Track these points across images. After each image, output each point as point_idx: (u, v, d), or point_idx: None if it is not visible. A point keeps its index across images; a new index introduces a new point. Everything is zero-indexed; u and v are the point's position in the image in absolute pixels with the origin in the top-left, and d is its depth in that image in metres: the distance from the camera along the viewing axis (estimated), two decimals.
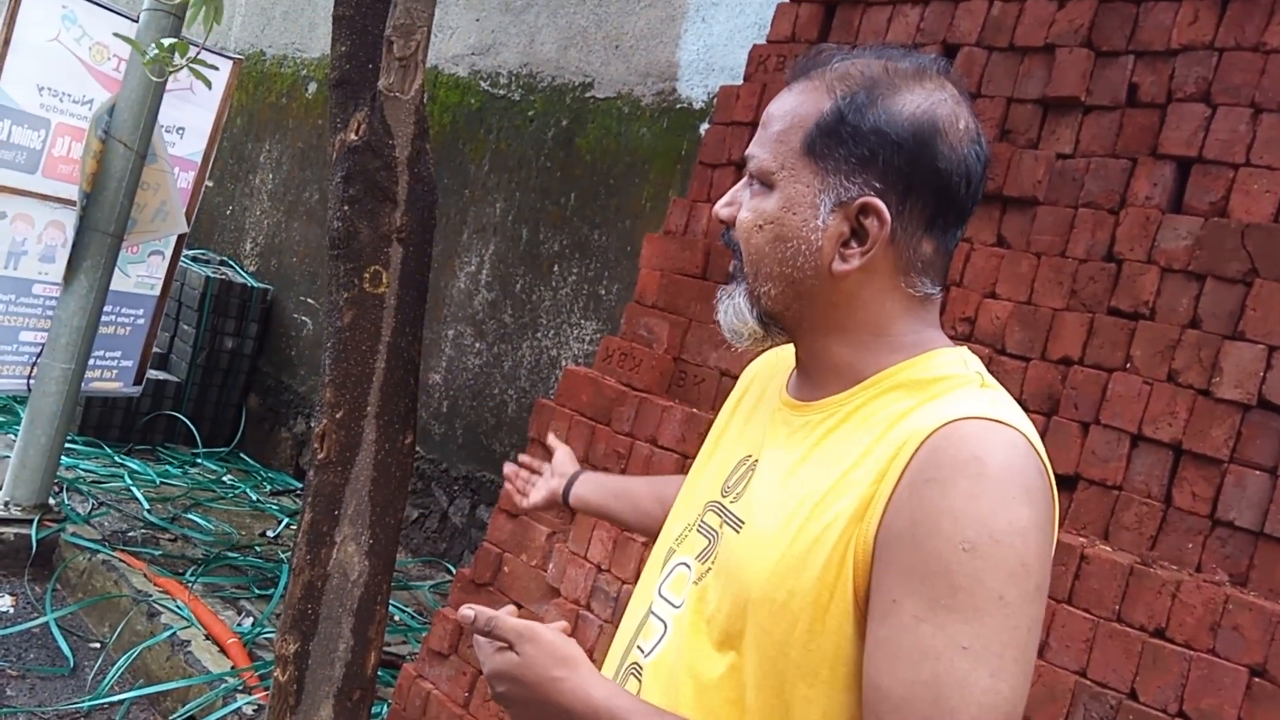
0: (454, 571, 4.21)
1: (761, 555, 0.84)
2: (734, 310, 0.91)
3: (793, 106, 0.89)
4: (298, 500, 4.93)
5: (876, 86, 0.86)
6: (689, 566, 0.92)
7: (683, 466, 2.26)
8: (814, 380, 0.91)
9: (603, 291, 4.08)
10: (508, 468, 1.51)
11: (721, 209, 0.92)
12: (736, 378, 2.38)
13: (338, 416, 2.46)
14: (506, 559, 2.54)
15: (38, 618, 3.31)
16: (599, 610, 2.28)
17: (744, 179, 0.92)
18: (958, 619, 0.71)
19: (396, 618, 3.63)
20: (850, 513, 0.79)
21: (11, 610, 3.38)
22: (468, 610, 0.87)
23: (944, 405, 0.81)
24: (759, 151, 0.89)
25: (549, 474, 1.42)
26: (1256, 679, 1.43)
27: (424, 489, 4.59)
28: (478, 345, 4.56)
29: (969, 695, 0.70)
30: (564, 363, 4.18)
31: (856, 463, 0.82)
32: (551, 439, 1.51)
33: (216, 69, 4.07)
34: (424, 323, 2.62)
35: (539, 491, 1.41)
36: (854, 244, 0.86)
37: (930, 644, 0.72)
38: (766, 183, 0.88)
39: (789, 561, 0.81)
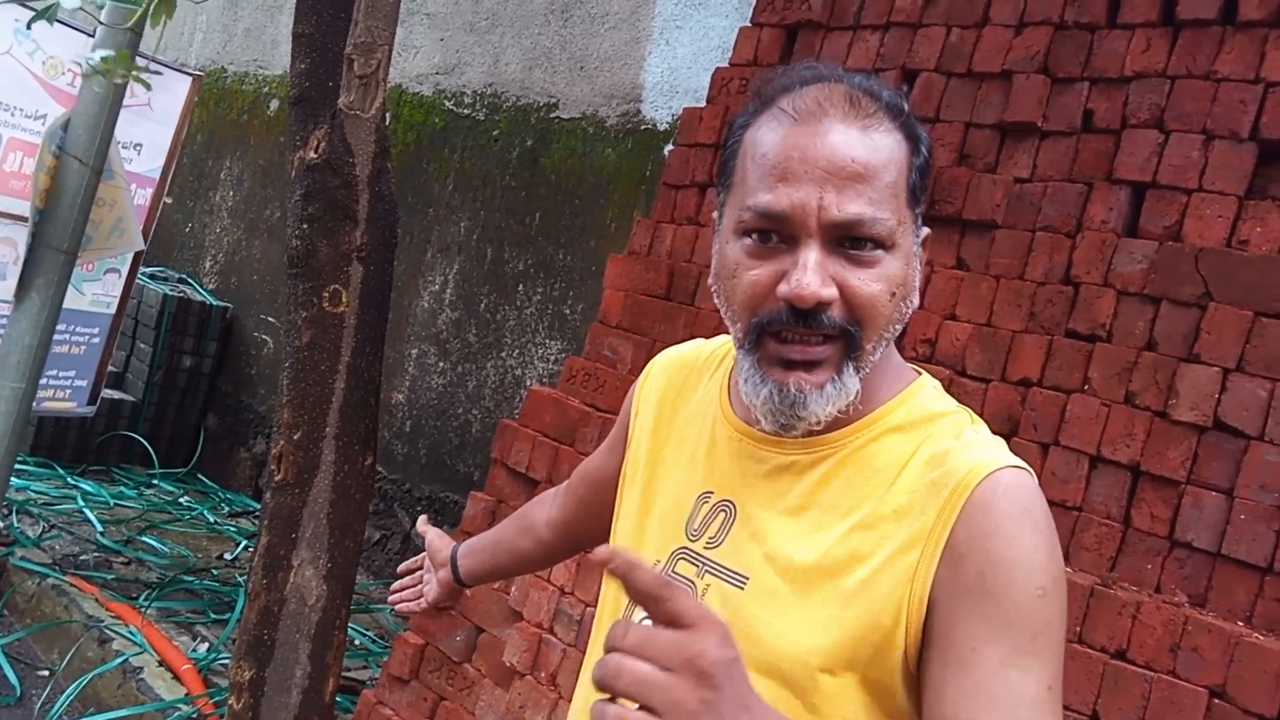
0: None
1: (784, 617, 0.80)
2: (839, 395, 0.80)
3: (889, 152, 0.80)
4: (256, 522, 4.83)
5: (913, 114, 0.85)
6: None
7: None
8: None
9: (567, 311, 4.07)
10: (394, 586, 1.43)
11: (825, 290, 0.78)
12: None
13: (295, 438, 2.41)
14: None
15: None
16: (562, 634, 2.25)
17: (815, 246, 0.78)
18: (1040, 661, 0.74)
19: (357, 642, 3.57)
20: (893, 569, 0.78)
21: None
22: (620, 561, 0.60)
23: (967, 452, 0.80)
24: (878, 213, 0.78)
25: (430, 567, 1.36)
26: (1216, 700, 1.45)
27: (386, 510, 4.52)
28: (441, 364, 4.52)
29: None
30: (529, 382, 4.15)
31: (876, 514, 0.80)
32: (420, 525, 1.44)
33: (160, 74, 4.01)
34: (386, 342, 2.59)
35: (432, 589, 1.34)
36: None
37: (1022, 689, 0.73)
38: (887, 244, 0.80)
39: (821, 621, 0.78)
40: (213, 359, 5.51)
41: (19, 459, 4.18)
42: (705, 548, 0.86)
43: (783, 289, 0.78)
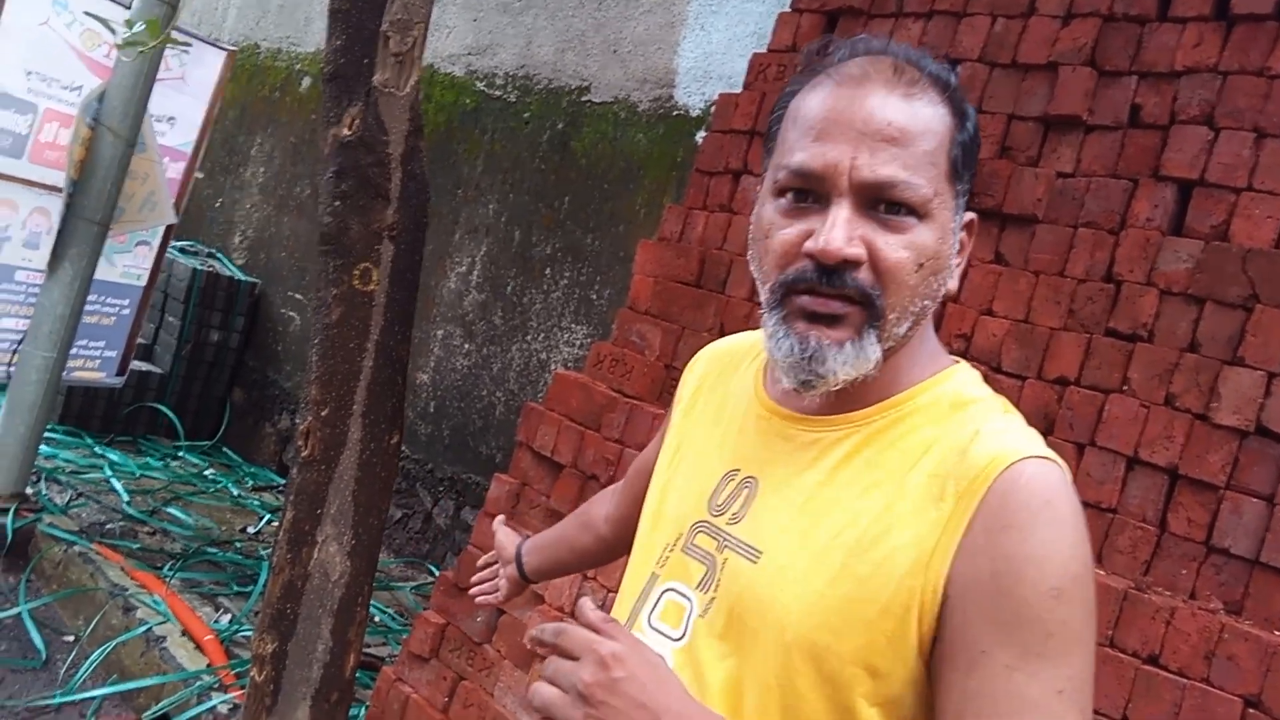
0: (436, 573, 4.17)
1: (795, 593, 0.78)
2: (859, 358, 0.79)
3: (928, 121, 0.79)
4: (280, 496, 4.87)
5: (961, 90, 0.83)
6: (687, 597, 0.86)
7: None
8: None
9: (594, 296, 4.06)
10: (473, 579, 1.51)
11: (849, 248, 0.77)
12: None
13: (323, 414, 2.42)
14: None
15: (11, 609, 3.25)
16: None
17: (846, 205, 0.78)
18: (1050, 665, 0.71)
19: (377, 619, 3.59)
20: (907, 555, 0.75)
21: None
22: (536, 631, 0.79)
23: (992, 440, 0.78)
24: (912, 177, 0.77)
25: (500, 564, 1.43)
26: (1251, 709, 1.42)
27: (408, 489, 4.54)
28: (467, 346, 4.52)
29: None
30: (553, 366, 4.15)
31: (896, 495, 0.78)
32: (495, 523, 1.49)
33: (191, 46, 4.02)
34: (414, 322, 2.59)
35: (503, 584, 1.41)
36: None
37: (1027, 692, 0.71)
38: (920, 213, 0.78)
39: (832, 602, 0.76)
40: (240, 334, 5.54)
41: (48, 427, 4.23)
42: (727, 523, 0.86)
43: (808, 245, 0.78)
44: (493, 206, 4.59)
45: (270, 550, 4.04)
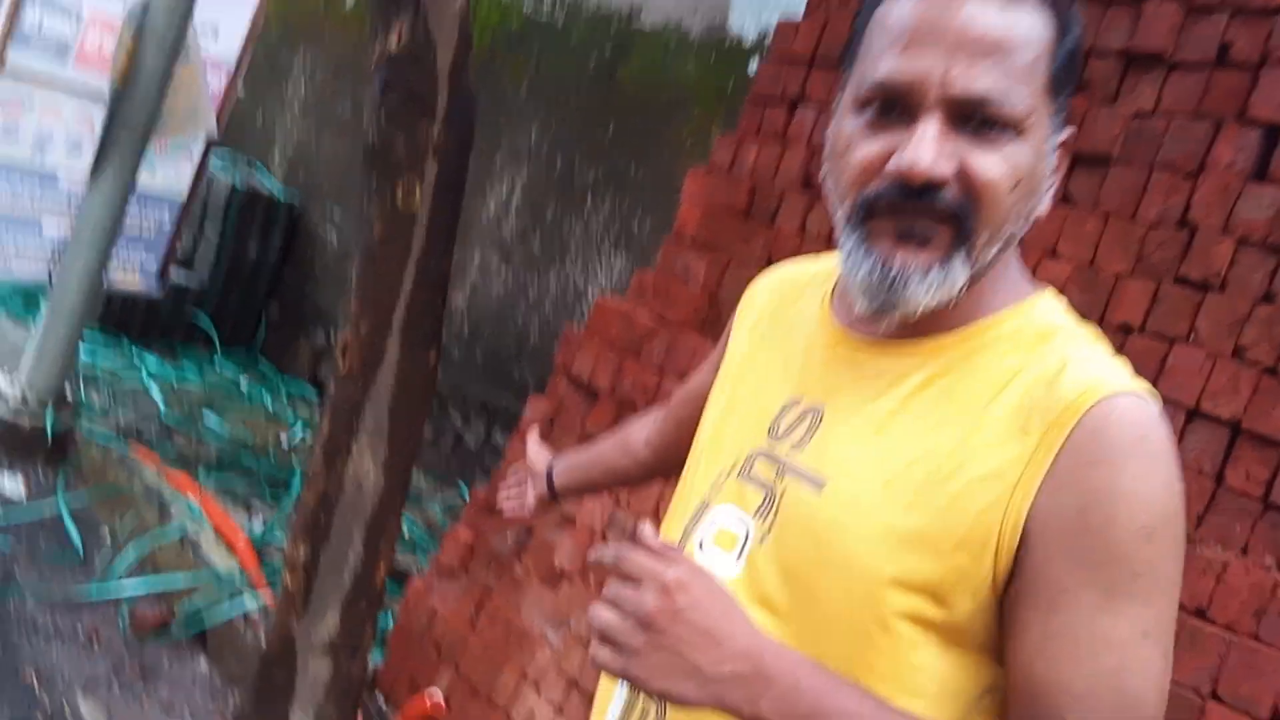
0: (465, 492, 4.21)
1: (863, 523, 0.75)
2: (944, 283, 0.74)
3: (1028, 30, 0.73)
4: (314, 411, 4.92)
5: None
6: (743, 524, 0.83)
7: None
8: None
9: (635, 226, 4.00)
10: (500, 492, 1.48)
11: (938, 167, 0.72)
12: None
13: (362, 330, 2.41)
14: None
15: (50, 504, 3.32)
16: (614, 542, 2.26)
17: (936, 120, 0.72)
18: (1137, 605, 0.68)
19: (406, 533, 3.63)
20: (987, 489, 0.72)
21: (24, 494, 3.40)
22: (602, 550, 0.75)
23: (1081, 371, 0.73)
24: (1009, 92, 0.72)
25: (529, 475, 1.40)
26: None
27: (440, 410, 4.56)
28: (504, 271, 4.50)
29: (1151, 680, 0.69)
30: (590, 295, 4.11)
31: (975, 425, 0.74)
32: (529, 437, 1.47)
33: None
34: (455, 243, 2.55)
35: (531, 498, 1.38)
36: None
37: (1111, 633, 0.68)
38: (1016, 128, 0.73)
39: (902, 534, 0.73)
40: (278, 250, 5.55)
41: (86, 331, 4.27)
42: (788, 451, 0.82)
43: (894, 163, 0.73)
44: (535, 132, 4.52)
45: (306, 460, 4.09)
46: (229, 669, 2.70)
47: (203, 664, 2.72)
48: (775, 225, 2.37)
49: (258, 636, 2.66)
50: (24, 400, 3.71)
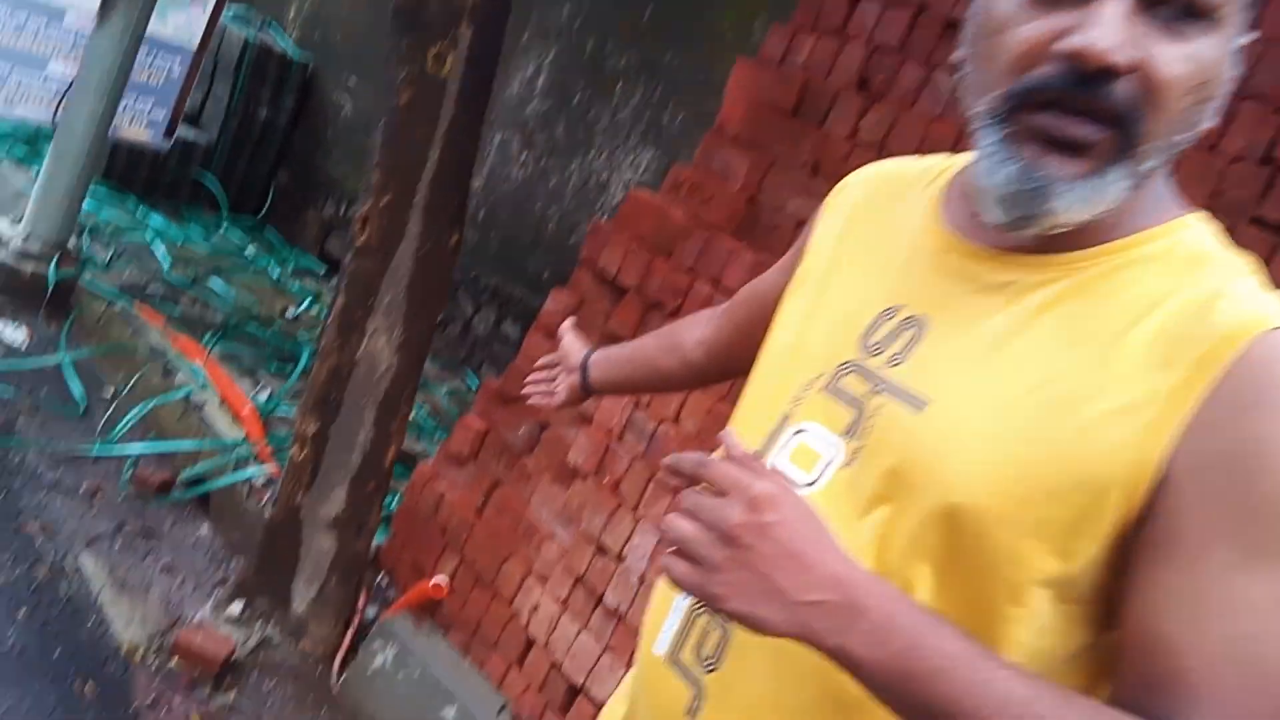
0: (473, 379, 4.17)
1: (969, 451, 0.67)
2: (1096, 197, 0.65)
3: None
4: (320, 283, 4.84)
5: None
6: (827, 443, 0.75)
7: None
8: None
9: (666, 118, 3.84)
10: (528, 379, 1.41)
11: (1120, 51, 0.62)
12: None
13: (383, 202, 2.31)
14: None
15: (52, 356, 3.27)
16: (631, 444, 2.21)
17: (1120, 5, 0.63)
18: (1278, 569, 0.61)
19: (412, 416, 3.60)
20: (1118, 425, 0.64)
21: (27, 344, 3.34)
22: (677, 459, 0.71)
23: (1238, 303, 0.65)
24: None
25: (563, 368, 1.32)
26: None
27: (450, 295, 4.48)
28: (524, 156, 4.35)
29: None
30: (614, 188, 3.98)
31: (1108, 353, 0.66)
32: (563, 327, 1.38)
33: None
34: (486, 116, 2.43)
35: (562, 389, 1.31)
36: None
37: (1249, 596, 0.61)
38: (1209, 15, 0.63)
39: (1015, 466, 0.66)
40: (289, 113, 5.36)
41: (91, 183, 4.14)
42: (883, 365, 0.75)
43: (1064, 44, 0.63)
44: (567, 10, 4.29)
45: (312, 334, 4.03)
46: (230, 535, 2.69)
47: (204, 528, 2.72)
48: (825, 128, 2.25)
49: (261, 505, 2.65)
50: (26, 247, 3.61)
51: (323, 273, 4.99)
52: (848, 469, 0.74)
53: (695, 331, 1.16)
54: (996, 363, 0.70)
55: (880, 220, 0.85)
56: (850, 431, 0.74)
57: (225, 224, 5.06)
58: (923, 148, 2.09)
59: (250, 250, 4.90)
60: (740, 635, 0.74)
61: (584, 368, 1.27)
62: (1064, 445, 0.66)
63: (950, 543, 0.68)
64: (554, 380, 1.36)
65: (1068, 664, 0.69)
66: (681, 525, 0.65)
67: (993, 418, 0.68)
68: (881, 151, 2.15)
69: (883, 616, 0.63)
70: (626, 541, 2.15)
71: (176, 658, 2.14)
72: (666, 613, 0.82)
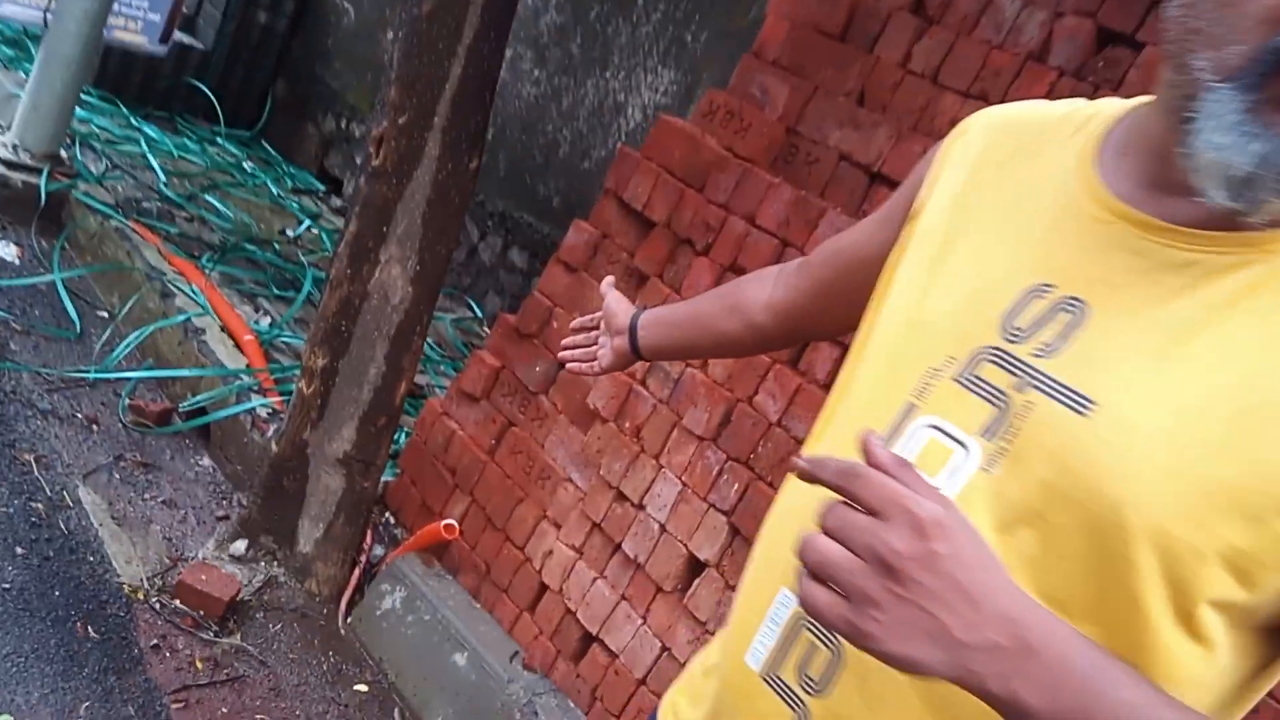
0: (477, 308, 4.04)
1: (1149, 464, 0.57)
2: None
3: None
4: (319, 203, 4.66)
5: None
6: (961, 443, 0.64)
7: (781, 255, 2.01)
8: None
9: (689, 37, 3.63)
10: (565, 342, 1.30)
11: None
12: (862, 166, 2.08)
13: (400, 122, 2.15)
14: (558, 314, 2.33)
15: (44, 274, 3.13)
16: (655, 389, 2.10)
17: None
18: None
19: None
20: None
21: (17, 261, 3.20)
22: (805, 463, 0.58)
23: None
24: None
25: (605, 330, 1.21)
26: None
27: None
28: (536, 73, 4.13)
29: None
30: (630, 110, 3.79)
31: None
32: (603, 285, 1.26)
33: None
34: (510, 30, 2.25)
35: (606, 354, 1.20)
36: None
37: None
38: None
39: (1205, 484, 0.56)
40: (288, 19, 5.10)
41: (83, 90, 3.93)
42: (1032, 354, 0.63)
43: None
44: None
45: (312, 256, 3.88)
46: (232, 469, 2.60)
47: (205, 460, 2.62)
48: (874, 54, 2.08)
49: (264, 439, 2.55)
50: (16, 157, 3.44)
51: (322, 191, 4.81)
52: (986, 475, 0.63)
53: (761, 292, 1.04)
54: (1180, 359, 0.58)
55: (1014, 175, 0.72)
56: (990, 431, 0.63)
57: (221, 136, 4.85)
58: (981, 79, 1.94)
59: (248, 165, 4.71)
60: (858, 660, 0.64)
61: (632, 330, 1.16)
62: (1263, 464, 0.55)
63: (1116, 567, 0.58)
64: (594, 343, 1.25)
65: (1241, 692, 0.60)
66: (828, 549, 0.54)
67: (1176, 425, 0.57)
68: (936, 82, 1.99)
69: (1055, 659, 0.53)
70: (647, 490, 2.06)
71: (179, 599, 2.06)
72: (759, 620, 0.72)
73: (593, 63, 3.94)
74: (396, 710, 2.11)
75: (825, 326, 1.01)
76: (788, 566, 0.62)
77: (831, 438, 0.76)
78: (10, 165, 3.44)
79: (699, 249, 2.12)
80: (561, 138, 4.02)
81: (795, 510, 0.74)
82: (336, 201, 4.77)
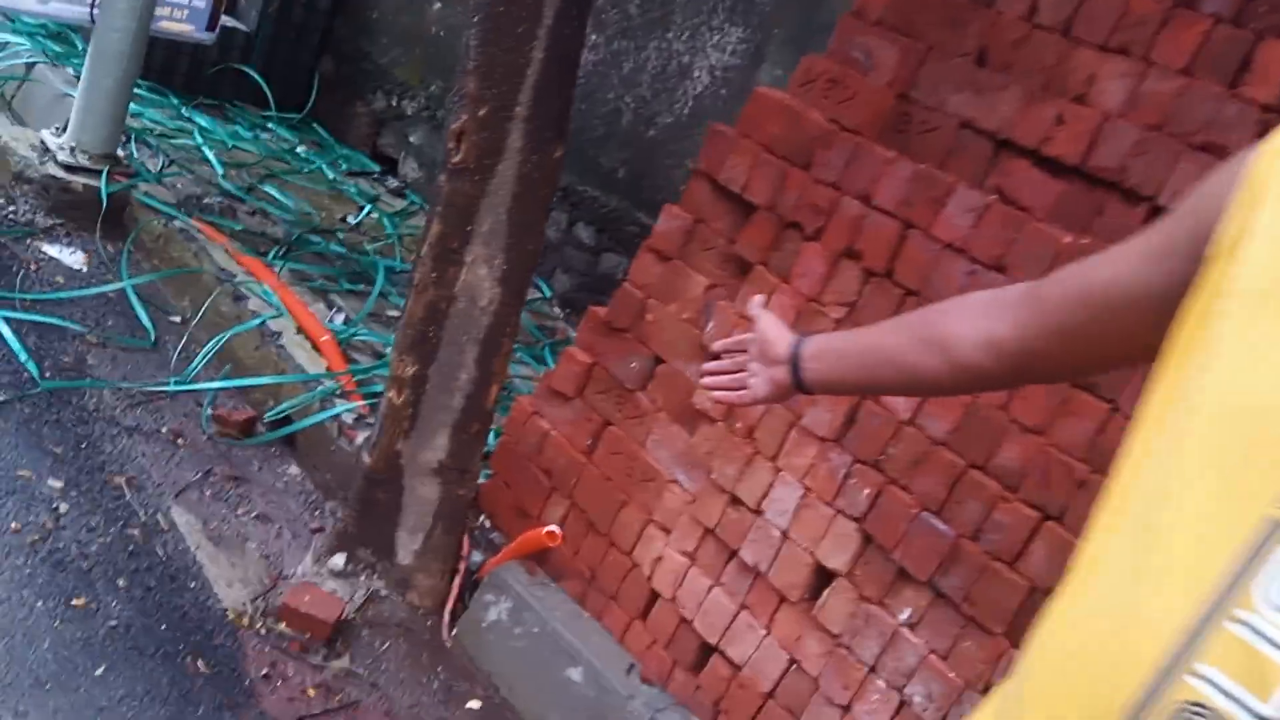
0: (545, 288, 3.93)
1: None
2: None
3: None
4: (376, 185, 4.56)
5: None
6: None
7: (904, 237, 1.85)
8: None
9: None
10: (707, 366, 1.17)
11: None
12: (986, 133, 1.90)
13: (480, 114, 2.01)
14: (651, 305, 2.20)
15: (113, 282, 3.07)
16: None
17: None
18: None
19: None
20: None
21: (85, 269, 3.14)
22: None
23: None
24: None
25: (758, 357, 1.08)
26: None
27: None
28: (594, 38, 3.95)
29: None
30: (696, 73, 3.61)
31: None
32: (754, 305, 1.12)
33: None
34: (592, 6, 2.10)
35: (761, 385, 1.06)
36: None
37: None
38: None
39: None
40: None
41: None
42: None
43: None
44: None
45: (376, 245, 3.79)
46: (321, 477, 2.53)
47: (293, 468, 2.56)
48: (994, 6, 1.90)
49: (352, 445, 2.47)
50: (74, 159, 3.37)
51: (378, 173, 4.71)
52: None
53: (968, 326, 0.88)
54: None
55: None
56: None
57: (272, 121, 4.75)
58: (1120, 30, 1.74)
59: (301, 149, 4.61)
60: None
61: (794, 361, 1.03)
62: None
63: None
64: (741, 368, 1.12)
65: None
66: None
67: None
68: (1067, 36, 1.80)
69: None
70: (765, 495, 1.94)
71: (284, 622, 2.00)
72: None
73: (653, 24, 3.75)
74: None
75: (1065, 370, 0.87)
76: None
77: (1132, 534, 0.62)
78: (69, 169, 3.37)
79: (808, 233, 1.97)
80: (624, 105, 3.85)
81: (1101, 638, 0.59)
82: (393, 182, 4.66)
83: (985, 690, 1.62)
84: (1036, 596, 1.60)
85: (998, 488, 1.66)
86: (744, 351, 1.14)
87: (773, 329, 1.08)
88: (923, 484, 1.73)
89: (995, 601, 1.63)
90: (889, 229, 1.85)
